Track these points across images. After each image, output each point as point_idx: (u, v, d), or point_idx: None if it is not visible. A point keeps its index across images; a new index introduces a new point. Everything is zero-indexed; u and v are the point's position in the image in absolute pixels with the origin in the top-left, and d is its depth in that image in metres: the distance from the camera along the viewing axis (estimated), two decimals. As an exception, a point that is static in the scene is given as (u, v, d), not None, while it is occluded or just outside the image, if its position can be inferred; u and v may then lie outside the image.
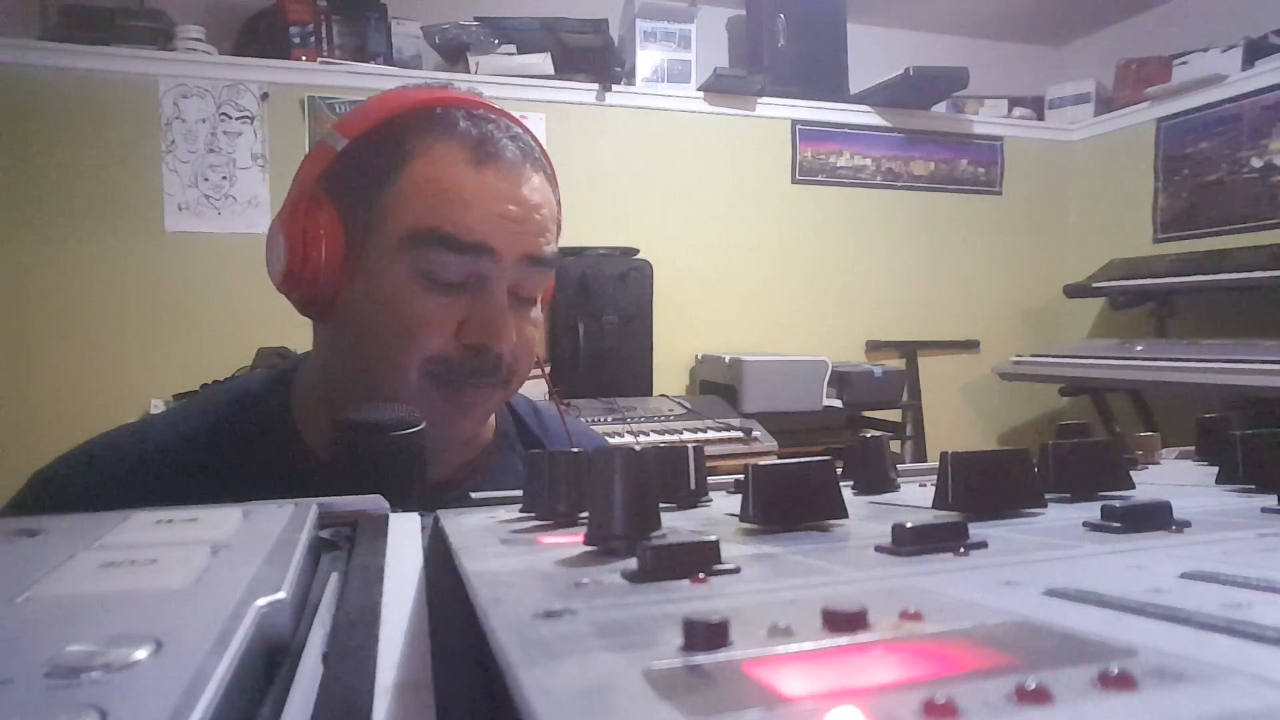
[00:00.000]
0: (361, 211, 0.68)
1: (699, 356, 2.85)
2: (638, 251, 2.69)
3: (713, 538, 0.26)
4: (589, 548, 0.30)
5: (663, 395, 2.64)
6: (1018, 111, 3.29)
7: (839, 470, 0.35)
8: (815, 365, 2.58)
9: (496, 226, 0.67)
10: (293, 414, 0.74)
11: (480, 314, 0.68)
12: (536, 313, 0.75)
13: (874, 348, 3.09)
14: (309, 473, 0.71)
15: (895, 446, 2.82)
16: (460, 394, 0.68)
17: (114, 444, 0.71)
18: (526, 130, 0.74)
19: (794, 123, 2.97)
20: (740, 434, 2.35)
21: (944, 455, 0.35)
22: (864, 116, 3.04)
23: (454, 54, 2.68)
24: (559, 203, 0.77)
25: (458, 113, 0.69)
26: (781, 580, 0.25)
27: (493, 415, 0.82)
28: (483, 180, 0.67)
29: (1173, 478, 0.48)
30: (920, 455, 2.89)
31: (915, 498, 0.42)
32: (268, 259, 0.70)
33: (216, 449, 0.70)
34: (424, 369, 0.67)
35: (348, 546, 0.35)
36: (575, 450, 0.37)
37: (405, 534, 0.36)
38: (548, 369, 2.52)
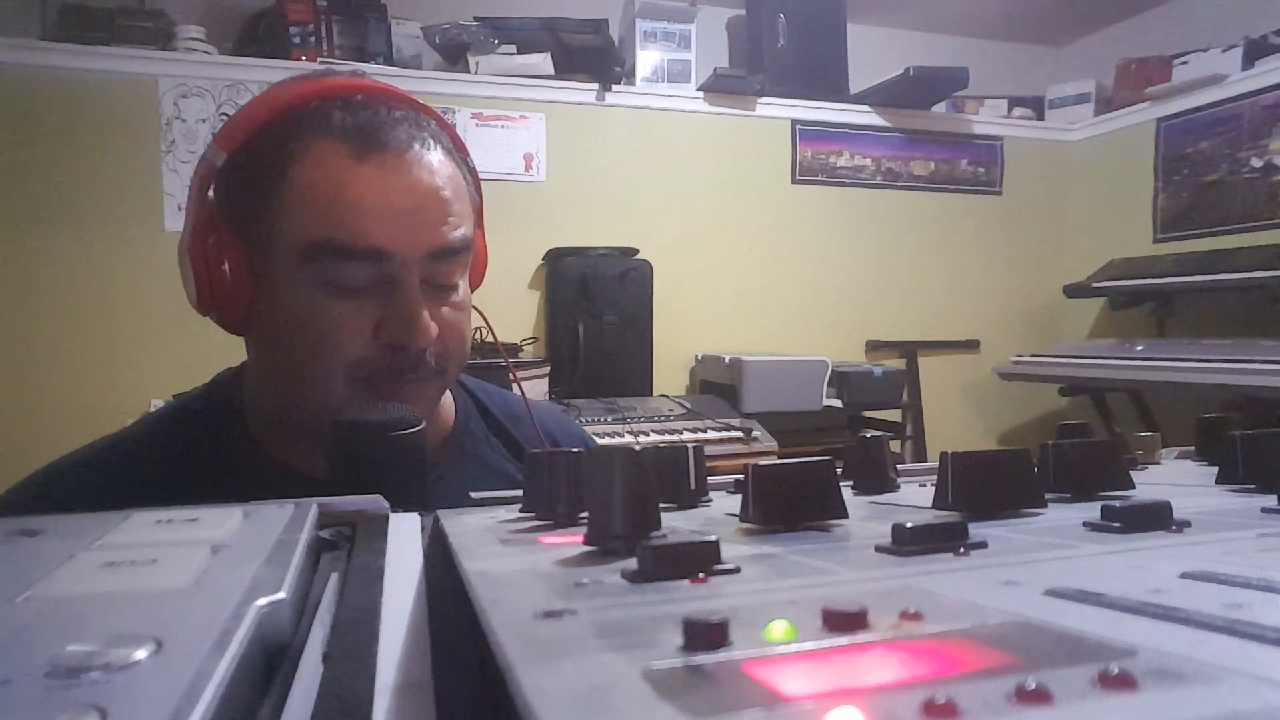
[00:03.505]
0: (255, 227, 0.66)
1: (699, 356, 2.85)
2: (638, 251, 2.69)
3: (713, 538, 0.26)
4: (589, 548, 0.30)
5: (663, 395, 2.64)
6: (1018, 111, 3.29)
7: (839, 470, 0.35)
8: (815, 365, 2.58)
9: (391, 226, 0.64)
10: (246, 421, 0.73)
11: (394, 313, 0.65)
12: (461, 294, 0.72)
13: (874, 348, 3.09)
14: (271, 478, 0.70)
15: (895, 446, 2.82)
16: (390, 395, 0.65)
17: (69, 471, 0.69)
18: (418, 106, 0.70)
19: (794, 123, 2.97)
20: (740, 434, 2.35)
21: (944, 455, 0.35)
22: (864, 116, 3.04)
23: (454, 54, 2.68)
24: (473, 171, 0.73)
25: (332, 105, 0.65)
26: (781, 580, 0.25)
27: (451, 405, 0.80)
28: (367, 175, 0.64)
29: (1173, 478, 0.48)
30: (920, 455, 2.89)
31: (915, 498, 0.42)
32: (182, 282, 0.68)
33: (175, 458, 0.68)
34: (348, 375, 0.65)
35: (348, 546, 0.35)
36: (575, 450, 0.37)
37: (405, 534, 0.36)
38: (549, 369, 2.53)
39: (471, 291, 0.75)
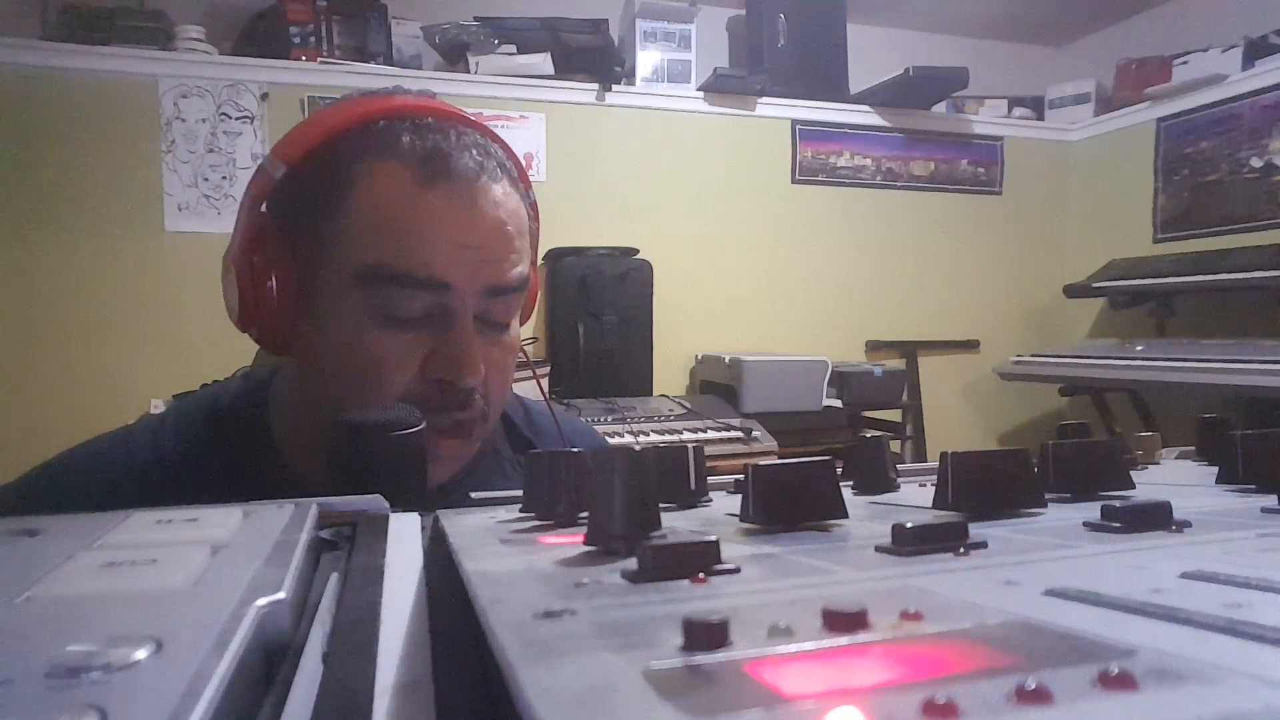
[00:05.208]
0: (308, 245, 0.63)
1: (699, 356, 2.85)
2: (638, 251, 2.69)
3: (713, 538, 0.26)
4: (589, 548, 0.30)
5: (663, 395, 2.64)
6: (1018, 111, 3.29)
7: (839, 470, 0.34)
8: (815, 365, 2.58)
9: (452, 257, 0.61)
10: (271, 431, 0.70)
11: (445, 349, 0.63)
12: (512, 333, 0.69)
13: (874, 348, 3.09)
14: (289, 492, 0.68)
15: (895, 446, 2.82)
16: (432, 434, 0.59)
17: (81, 465, 0.67)
18: (485, 132, 0.68)
19: (794, 123, 2.97)
20: (740, 434, 2.35)
21: (944, 455, 0.35)
22: (864, 116, 3.04)
23: (454, 54, 2.68)
24: (533, 205, 0.71)
25: (401, 125, 0.63)
26: (781, 580, 0.25)
27: None
28: (432, 204, 0.61)
29: (1173, 478, 0.48)
30: (920, 455, 2.89)
31: (915, 498, 0.41)
32: (224, 294, 0.66)
33: (195, 468, 0.66)
34: None
35: (348, 546, 0.35)
36: (575, 450, 0.37)
37: (405, 534, 0.36)
38: (549, 369, 2.53)
39: (521, 325, 0.72)
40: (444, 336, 0.63)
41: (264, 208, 0.65)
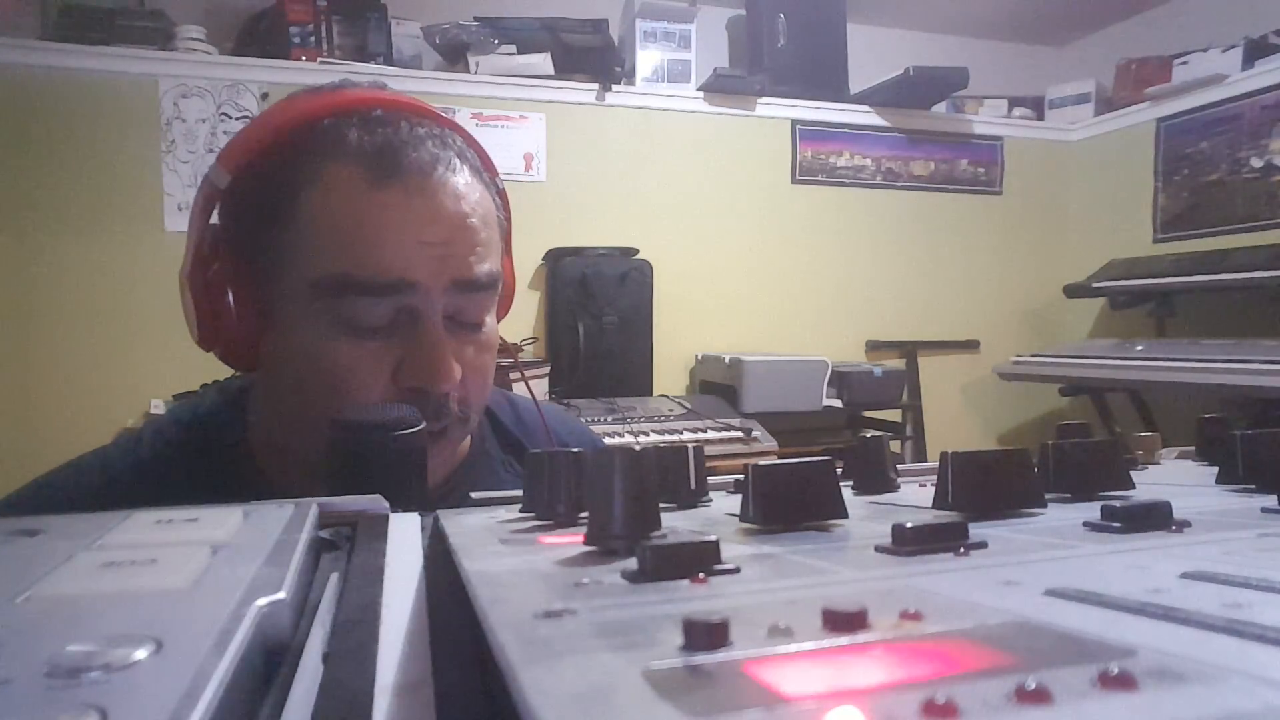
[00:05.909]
0: (262, 257, 0.60)
1: (699, 356, 2.85)
2: (638, 251, 2.69)
3: (713, 538, 0.26)
4: (589, 548, 0.30)
5: (663, 395, 2.64)
6: (1018, 111, 3.29)
7: (839, 470, 0.34)
8: (815, 365, 2.58)
9: (414, 256, 0.58)
10: (249, 440, 0.68)
11: (415, 354, 0.59)
12: (487, 331, 0.65)
13: (874, 348, 3.09)
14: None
15: (895, 446, 2.82)
16: None
17: (62, 483, 0.64)
18: (443, 120, 0.64)
19: (794, 123, 2.97)
20: (740, 434, 2.35)
21: (944, 455, 0.35)
22: (864, 116, 3.04)
23: (454, 54, 2.68)
24: (501, 193, 0.67)
25: (348, 122, 0.59)
26: (781, 580, 0.25)
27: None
28: (387, 203, 0.58)
29: (1173, 478, 0.48)
30: (920, 455, 2.89)
31: (915, 498, 0.41)
32: (184, 314, 0.62)
33: (170, 479, 0.63)
34: None
35: (348, 546, 0.35)
36: (575, 450, 0.37)
37: (405, 534, 0.36)
38: (549, 369, 2.53)
39: (498, 322, 0.69)
40: (413, 341, 0.60)
41: (214, 220, 0.62)
